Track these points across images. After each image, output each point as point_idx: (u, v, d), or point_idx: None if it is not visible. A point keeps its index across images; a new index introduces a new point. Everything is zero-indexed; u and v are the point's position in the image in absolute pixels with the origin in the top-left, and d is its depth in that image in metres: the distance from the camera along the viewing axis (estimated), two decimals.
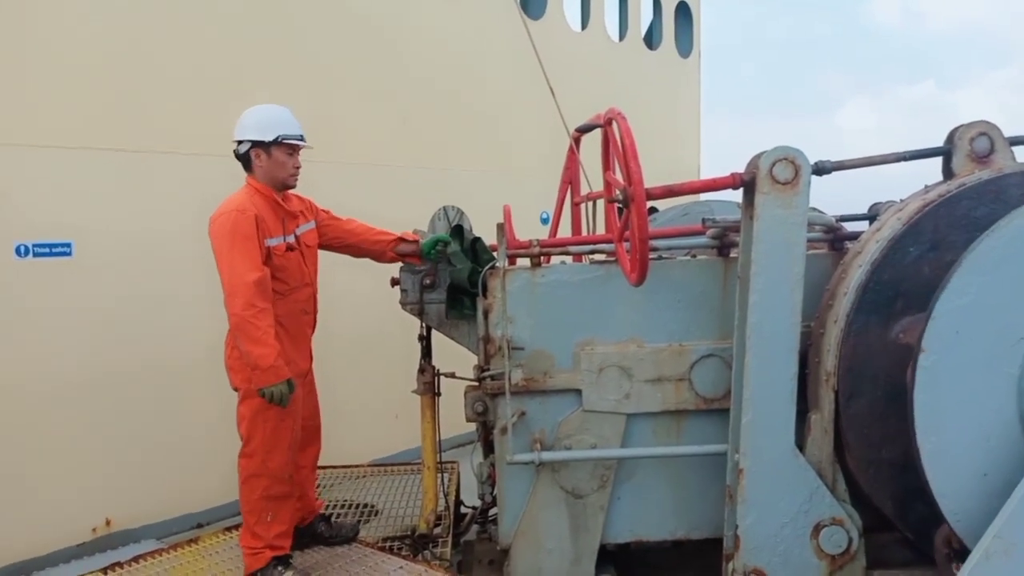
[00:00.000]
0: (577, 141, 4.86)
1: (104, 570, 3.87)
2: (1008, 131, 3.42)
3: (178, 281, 5.31)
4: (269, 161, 3.68)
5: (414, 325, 4.20)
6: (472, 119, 7.47)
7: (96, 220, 5.03)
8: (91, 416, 5.02)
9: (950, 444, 2.77)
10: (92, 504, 5.03)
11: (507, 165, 7.75)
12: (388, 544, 4.16)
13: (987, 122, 3.42)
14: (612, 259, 3.66)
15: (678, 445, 3.56)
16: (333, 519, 4.25)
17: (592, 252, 4.20)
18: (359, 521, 4.43)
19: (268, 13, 5.93)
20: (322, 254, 4.09)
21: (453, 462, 5.05)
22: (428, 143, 7.06)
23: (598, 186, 4.80)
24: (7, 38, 4.69)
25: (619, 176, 3.41)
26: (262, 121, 3.67)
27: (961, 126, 3.43)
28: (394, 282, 4.13)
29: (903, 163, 3.56)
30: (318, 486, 4.47)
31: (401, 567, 3.77)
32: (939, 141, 3.48)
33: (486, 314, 3.60)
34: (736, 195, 3.39)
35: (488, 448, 3.94)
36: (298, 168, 3.78)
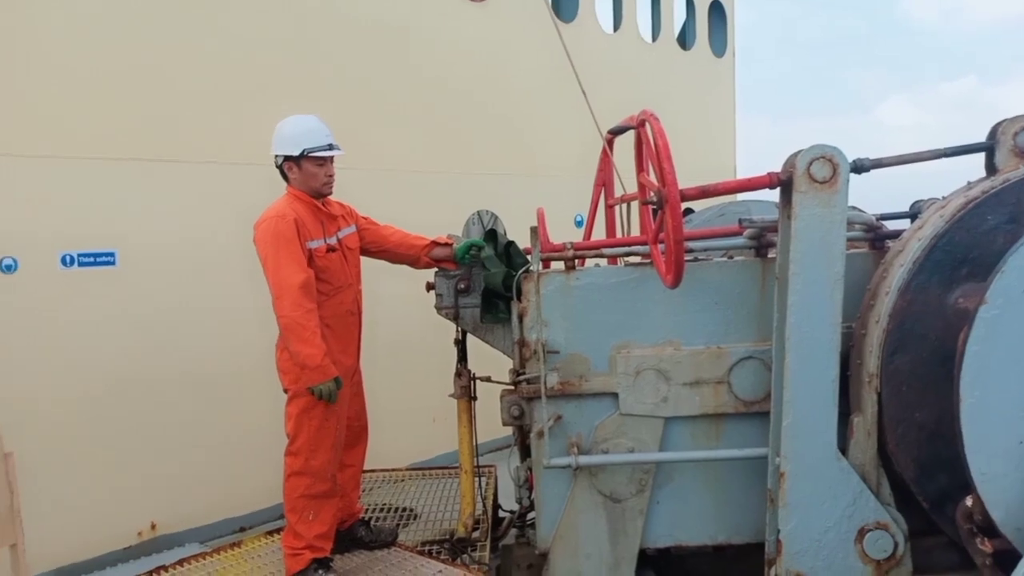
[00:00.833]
0: (610, 143, 4.84)
1: (150, 573, 3.94)
2: None
3: (220, 288, 5.42)
4: (301, 173, 3.75)
5: (450, 329, 4.22)
6: (505, 123, 7.50)
7: (139, 229, 5.15)
8: (136, 422, 5.14)
9: (992, 402, 2.70)
10: (137, 508, 5.14)
11: (540, 168, 7.75)
12: (427, 548, 4.17)
13: None
14: (647, 261, 3.63)
15: (717, 448, 3.52)
16: (372, 523, 4.28)
17: (627, 255, 4.17)
18: (398, 525, 4.46)
19: (302, 24, 6.02)
20: (365, 261, 4.14)
21: (490, 466, 5.06)
22: (461, 148, 7.10)
23: (632, 188, 4.79)
24: (53, 54, 4.82)
25: (653, 178, 3.39)
26: (291, 135, 3.74)
27: (1004, 121, 3.34)
28: (429, 287, 4.16)
29: (944, 160, 3.49)
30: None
31: (440, 571, 3.78)
32: (981, 137, 3.40)
33: (521, 318, 3.60)
34: (773, 195, 3.35)
35: (525, 452, 3.93)
36: (331, 176, 3.83)
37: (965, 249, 3.07)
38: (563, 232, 4.42)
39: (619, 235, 5.26)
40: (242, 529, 5.45)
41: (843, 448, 3.18)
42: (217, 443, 5.44)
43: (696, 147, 8.96)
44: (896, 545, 3.14)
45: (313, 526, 3.67)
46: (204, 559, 4.09)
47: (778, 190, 3.22)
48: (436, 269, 4.13)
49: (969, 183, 3.40)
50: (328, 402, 3.58)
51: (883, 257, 3.44)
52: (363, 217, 4.12)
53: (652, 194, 3.24)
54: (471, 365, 4.26)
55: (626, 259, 4.22)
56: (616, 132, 4.58)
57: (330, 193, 3.88)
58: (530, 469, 3.79)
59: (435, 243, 4.10)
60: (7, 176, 4.67)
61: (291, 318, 3.50)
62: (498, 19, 7.48)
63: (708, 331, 3.54)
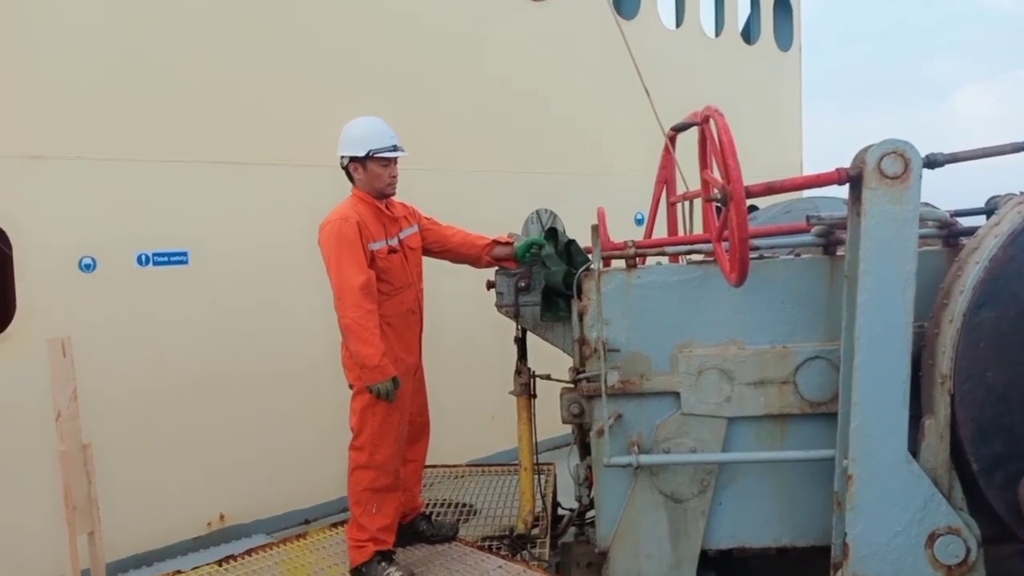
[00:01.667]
0: (672, 140, 4.80)
1: (219, 562, 4.06)
2: None
3: (289, 288, 5.58)
4: (366, 174, 3.82)
5: (510, 328, 4.23)
6: (566, 122, 7.49)
7: (211, 230, 5.34)
8: (206, 417, 5.33)
9: None
10: (208, 500, 5.33)
11: (602, 167, 7.71)
12: (487, 543, 4.20)
13: None
14: (710, 259, 3.59)
15: (782, 450, 3.46)
16: (434, 518, 4.33)
17: (689, 252, 4.13)
18: (459, 520, 4.50)
19: (366, 27, 6.14)
20: (426, 261, 4.20)
21: (550, 464, 5.06)
22: (522, 147, 7.12)
23: (694, 185, 4.73)
24: (127, 59, 5.03)
25: (717, 175, 3.34)
26: (356, 137, 3.82)
27: None
28: (490, 285, 4.18)
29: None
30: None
31: (500, 566, 3.80)
32: None
33: (581, 316, 3.60)
34: (841, 191, 3.27)
35: (584, 450, 3.93)
36: (395, 177, 3.89)
37: (997, 323, 2.98)
38: (624, 231, 4.40)
39: (681, 233, 5.20)
40: (307, 521, 5.59)
41: (914, 451, 3.09)
42: (284, 438, 5.59)
43: (762, 143, 8.79)
44: (968, 551, 3.04)
45: (376, 519, 3.74)
46: (271, 549, 4.20)
47: (847, 186, 3.14)
48: (497, 268, 4.15)
49: None
50: (387, 400, 3.63)
51: (957, 255, 3.32)
52: (426, 217, 4.18)
53: (716, 191, 3.19)
54: (531, 363, 4.27)
55: (688, 257, 4.19)
56: (679, 129, 4.53)
57: (393, 194, 3.94)
58: (590, 467, 3.78)
59: (496, 242, 4.12)
60: (86, 178, 4.89)
61: (351, 319, 3.58)
62: (559, 17, 7.48)
63: (773, 330, 3.48)
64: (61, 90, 4.82)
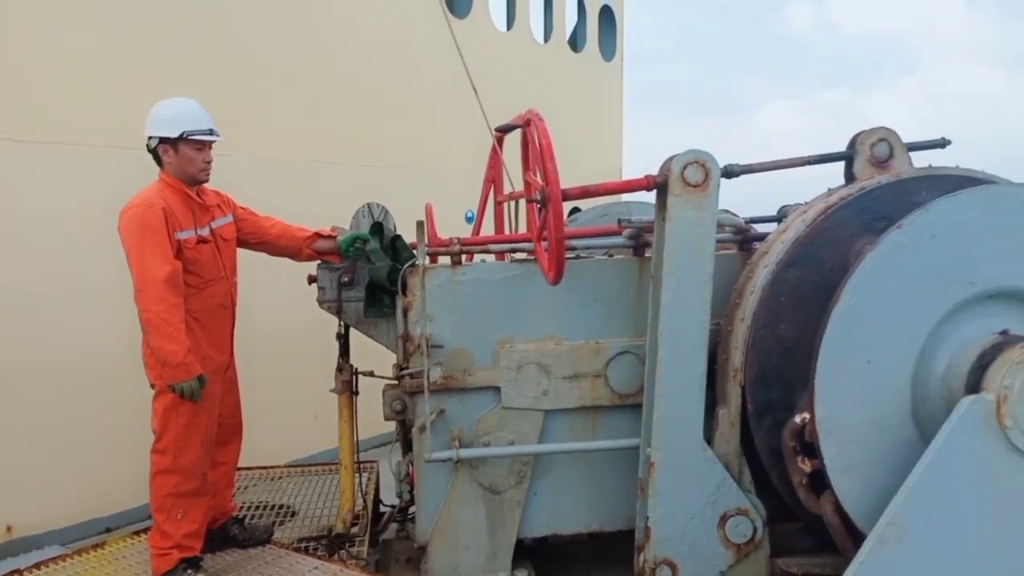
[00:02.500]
0: (500, 140, 4.89)
1: None
2: (910, 136, 3.60)
3: (84, 278, 5.11)
4: (177, 157, 3.61)
5: (332, 324, 4.15)
6: (398, 115, 7.43)
7: None
8: None
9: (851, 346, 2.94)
10: None
11: (434, 163, 7.73)
12: (304, 545, 4.09)
13: (887, 128, 3.60)
14: (532, 258, 3.70)
15: (594, 440, 3.63)
16: (247, 521, 4.16)
17: (513, 251, 4.23)
18: (274, 523, 4.35)
19: (184, 4, 5.76)
20: (243, 253, 4.02)
21: (373, 461, 5.01)
22: (351, 139, 6.99)
23: (520, 185, 4.85)
24: None
25: (539, 176, 3.45)
26: (168, 116, 3.60)
27: (862, 132, 3.60)
28: (311, 279, 4.08)
29: (822, 165, 3.71)
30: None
31: (316, 567, 3.72)
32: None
33: (405, 312, 3.59)
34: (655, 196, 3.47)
35: (407, 447, 3.93)
36: (209, 163, 3.70)
37: (823, 252, 3.28)
38: (456, 228, 4.44)
39: (507, 232, 5.32)
40: (108, 530, 5.18)
41: (709, 439, 3.35)
42: (82, 439, 5.14)
43: (584, 148, 9.17)
44: (755, 530, 3.33)
45: (182, 525, 3.54)
46: (64, 561, 3.86)
47: (656, 192, 3.35)
48: (319, 262, 4.05)
49: (830, 190, 3.64)
50: (191, 401, 3.45)
51: (750, 258, 3.64)
52: (241, 207, 4.00)
53: (537, 192, 3.30)
54: (354, 360, 4.21)
55: (512, 255, 4.29)
56: (504, 130, 4.63)
57: (206, 180, 3.75)
58: (411, 463, 3.79)
59: (318, 235, 4.03)
60: None
61: (153, 312, 3.36)
62: (393, 9, 7.41)
63: (588, 327, 3.64)
64: None
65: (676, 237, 3.23)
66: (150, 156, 3.67)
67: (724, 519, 3.32)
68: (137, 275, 3.41)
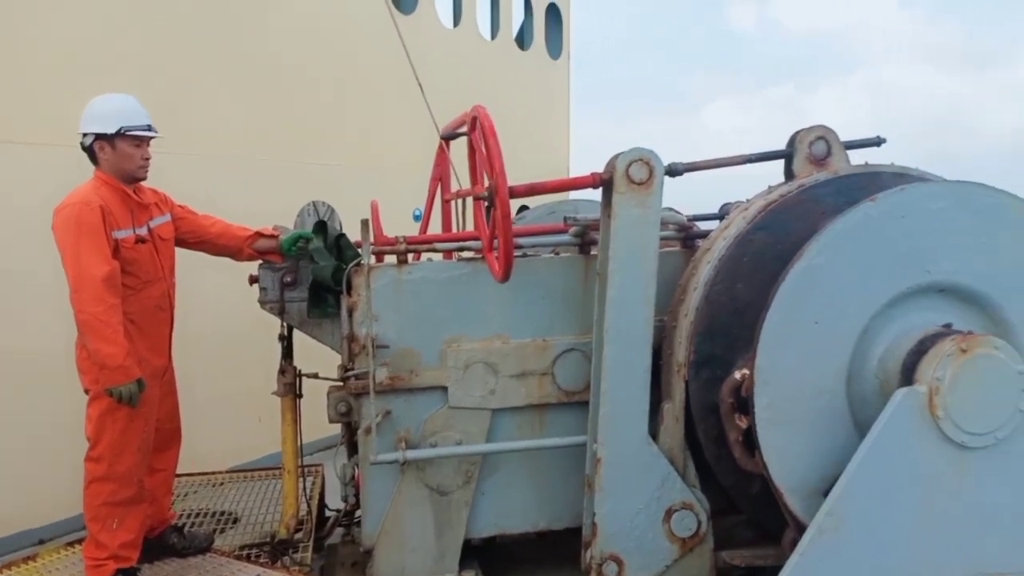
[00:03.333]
0: (447, 139, 4.86)
1: None
2: (851, 133, 3.69)
3: (16, 280, 4.91)
4: (114, 154, 3.49)
5: (275, 325, 4.06)
6: (344, 112, 7.32)
7: None
8: None
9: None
10: None
11: (381, 160, 7.65)
12: (246, 552, 4.00)
13: (824, 127, 3.67)
14: (479, 256, 3.68)
15: (541, 438, 3.62)
16: (186, 529, 4.05)
17: (460, 249, 4.20)
18: (215, 530, 4.24)
19: None
20: (181, 252, 3.90)
21: (318, 465, 4.91)
22: (297, 136, 6.86)
23: (468, 183, 4.82)
24: None
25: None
26: (105, 112, 3.48)
27: (801, 131, 3.67)
28: (252, 280, 3.98)
29: (766, 163, 3.77)
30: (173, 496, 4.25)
31: (259, 574, 3.64)
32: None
33: (350, 312, 3.54)
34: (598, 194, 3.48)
35: (353, 449, 3.87)
36: (147, 160, 3.59)
37: (764, 248, 3.33)
38: (403, 226, 4.38)
39: (455, 230, 5.29)
40: (41, 542, 4.98)
41: (655, 434, 3.37)
42: (9, 449, 4.93)
43: (533, 146, 9.19)
44: (700, 524, 3.37)
45: (118, 534, 3.42)
46: None
47: (601, 190, 3.36)
48: (260, 262, 3.96)
49: (770, 187, 3.70)
50: (129, 405, 3.34)
51: (693, 255, 3.67)
52: (179, 206, 3.89)
53: (484, 190, 3.28)
54: (297, 362, 4.12)
55: (460, 254, 4.26)
56: (448, 138, 4.62)
57: (144, 178, 3.64)
58: (357, 466, 3.73)
59: (259, 234, 3.93)
60: None
61: (91, 314, 3.25)
62: (339, 3, 7.30)
63: (535, 324, 3.63)
64: None
65: (621, 234, 3.24)
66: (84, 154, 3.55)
67: (669, 513, 3.34)
68: (73, 275, 3.29)
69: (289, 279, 3.89)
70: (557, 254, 3.98)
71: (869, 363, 3.05)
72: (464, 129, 3.83)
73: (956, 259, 3.04)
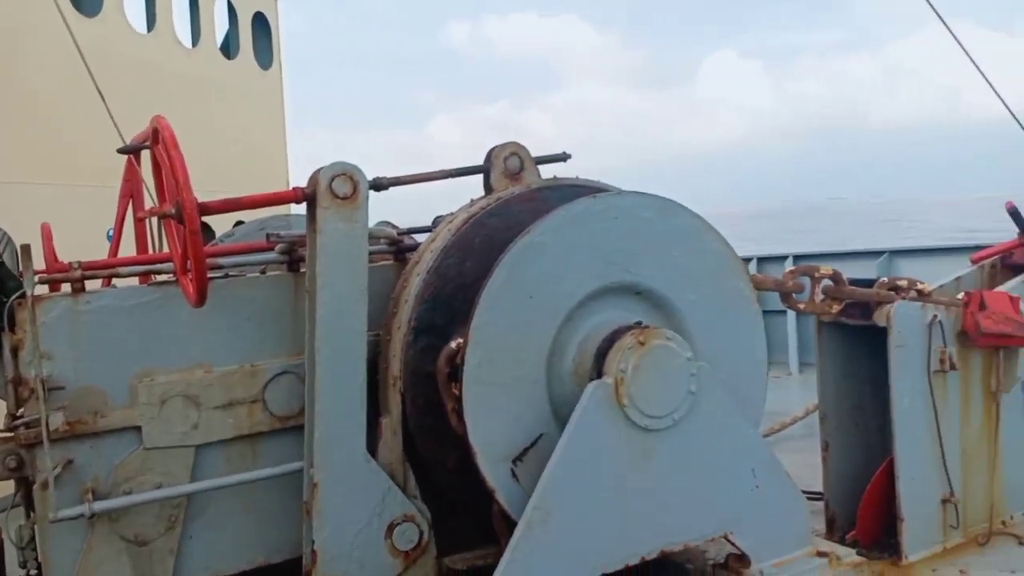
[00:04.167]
0: (136, 154, 4.42)
1: None
2: (552, 146, 4.04)
3: None
4: None
5: None
6: (23, 125, 6.42)
7: None
8: None
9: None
10: None
11: (64, 177, 6.81)
12: None
13: (517, 143, 3.91)
14: (173, 279, 3.39)
15: (254, 470, 3.42)
16: None
17: (150, 272, 3.85)
18: None
19: None
20: None
21: None
22: None
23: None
24: None
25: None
26: None
27: (496, 147, 3.87)
28: None
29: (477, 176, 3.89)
30: None
31: None
32: None
33: (15, 352, 3.09)
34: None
35: (30, 507, 3.36)
36: None
37: (465, 259, 3.45)
38: (96, 250, 3.91)
39: (151, 252, 4.84)
40: None
41: (373, 450, 3.33)
42: None
43: (245, 159, 8.75)
44: (422, 534, 3.38)
45: None
46: None
47: (306, 205, 3.25)
48: None
49: (472, 200, 3.85)
50: None
51: (404, 268, 3.70)
52: None
53: (171, 207, 3.02)
54: None
55: (156, 276, 3.90)
56: (127, 151, 4.22)
57: None
58: (36, 526, 3.25)
59: None
60: None
61: None
62: (5, 2, 6.39)
63: (241, 350, 3.43)
64: None
65: (328, 250, 3.17)
66: None
67: (391, 528, 3.31)
68: None
69: None
70: (264, 273, 3.80)
71: (570, 346, 3.31)
72: (148, 142, 3.51)
73: (652, 266, 3.39)
